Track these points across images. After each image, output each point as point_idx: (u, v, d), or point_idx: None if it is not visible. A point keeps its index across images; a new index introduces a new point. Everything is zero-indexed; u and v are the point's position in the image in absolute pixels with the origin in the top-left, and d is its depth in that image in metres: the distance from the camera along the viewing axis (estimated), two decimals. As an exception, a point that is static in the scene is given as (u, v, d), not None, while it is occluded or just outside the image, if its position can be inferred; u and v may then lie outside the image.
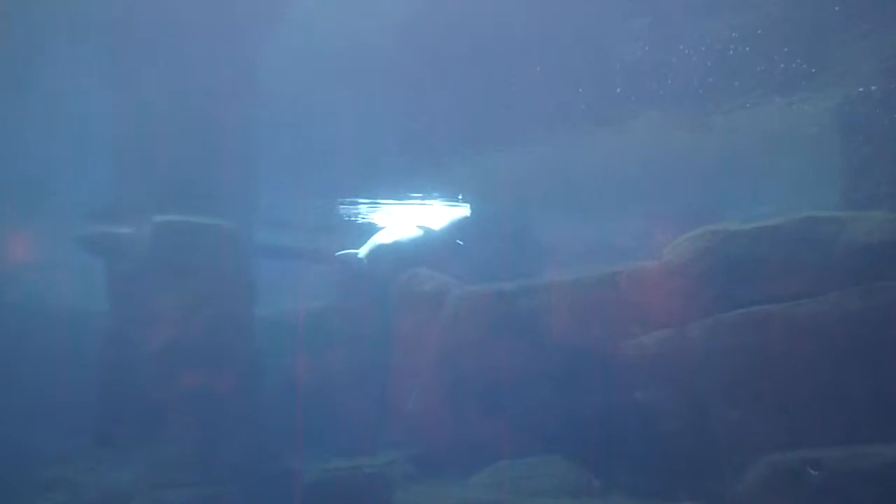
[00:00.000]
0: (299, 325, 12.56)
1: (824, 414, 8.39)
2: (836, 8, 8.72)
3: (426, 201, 14.53)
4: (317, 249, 14.65)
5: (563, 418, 10.34)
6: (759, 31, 9.20)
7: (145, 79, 10.87)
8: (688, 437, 9.35)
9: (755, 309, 8.93)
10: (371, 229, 15.19)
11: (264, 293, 12.12)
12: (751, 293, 9.04)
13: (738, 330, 8.96)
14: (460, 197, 14.11)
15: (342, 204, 14.96)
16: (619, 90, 10.17)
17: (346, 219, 16.02)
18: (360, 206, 15.37)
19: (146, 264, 10.93)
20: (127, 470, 10.39)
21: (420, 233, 13.41)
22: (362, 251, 13.77)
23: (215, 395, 10.63)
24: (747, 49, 9.44)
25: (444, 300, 11.96)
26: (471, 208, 14.03)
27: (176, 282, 10.77)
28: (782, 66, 9.92)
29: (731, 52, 9.53)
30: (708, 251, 9.50)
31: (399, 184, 13.49)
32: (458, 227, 13.42)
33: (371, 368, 12.52)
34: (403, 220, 14.74)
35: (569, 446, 10.15)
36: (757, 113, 11.21)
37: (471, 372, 11.17)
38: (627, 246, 13.20)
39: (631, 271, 10.48)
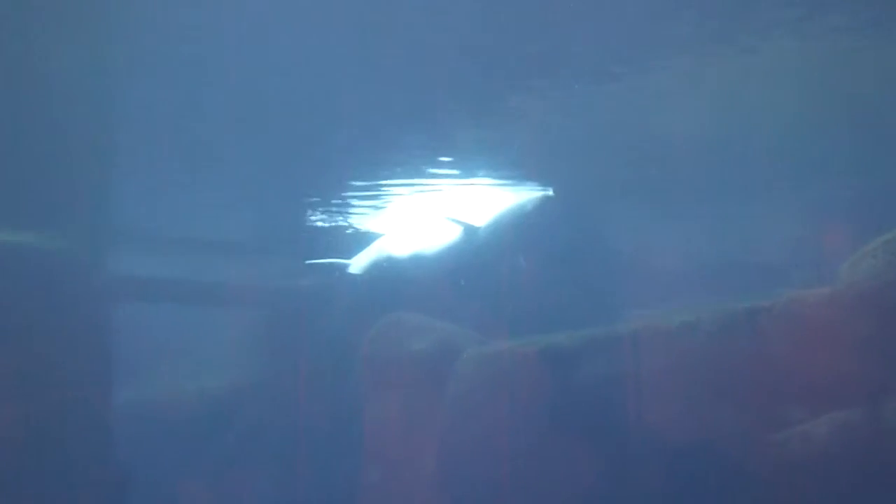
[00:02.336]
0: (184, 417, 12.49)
1: None
2: None
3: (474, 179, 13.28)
4: (245, 285, 14.38)
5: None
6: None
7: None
8: None
9: None
10: (361, 239, 15.23)
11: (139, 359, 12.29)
12: None
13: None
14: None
15: (313, 203, 14.53)
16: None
17: (323, 225, 15.60)
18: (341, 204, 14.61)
19: None
20: None
21: (455, 238, 12.84)
22: (357, 262, 13.77)
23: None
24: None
25: (451, 366, 11.19)
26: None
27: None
28: None
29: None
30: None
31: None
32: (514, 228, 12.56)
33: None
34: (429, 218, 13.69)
35: None
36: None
37: (498, 494, 10.53)
38: (768, 261, 12.73)
39: (783, 307, 9.69)
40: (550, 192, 12.65)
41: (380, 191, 13.78)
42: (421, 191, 13.57)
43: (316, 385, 12.86)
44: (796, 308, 9.58)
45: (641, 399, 10.16)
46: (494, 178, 13.02)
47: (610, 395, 10.25)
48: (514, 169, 12.61)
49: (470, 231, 12.66)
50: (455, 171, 12.73)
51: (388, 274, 13.30)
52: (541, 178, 12.92)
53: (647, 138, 11.82)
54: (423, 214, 13.89)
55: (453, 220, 12.68)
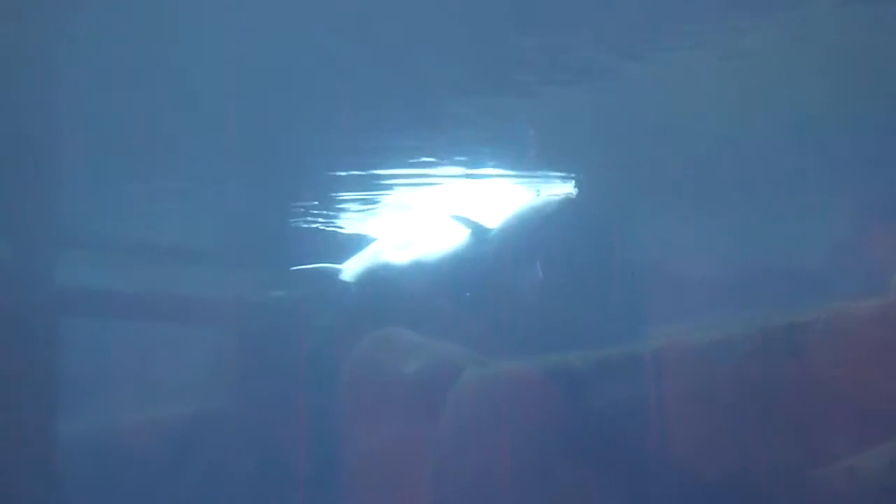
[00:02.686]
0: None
1: None
2: None
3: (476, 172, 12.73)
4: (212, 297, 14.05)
5: None
6: None
7: None
8: None
9: None
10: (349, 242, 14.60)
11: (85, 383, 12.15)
12: None
13: None
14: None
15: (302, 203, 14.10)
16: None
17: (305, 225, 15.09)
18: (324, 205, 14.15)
19: None
20: None
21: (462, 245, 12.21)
22: (349, 268, 13.28)
23: None
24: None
25: (449, 390, 10.64)
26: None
27: None
28: None
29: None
30: None
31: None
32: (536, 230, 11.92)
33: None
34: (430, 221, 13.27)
35: None
36: None
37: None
38: (810, 268, 12.27)
39: (827, 322, 9.34)
40: (573, 193, 12.29)
41: (374, 186, 13.31)
42: (422, 185, 13.15)
43: (291, 415, 12.43)
44: (842, 323, 9.23)
45: (666, 429, 9.76)
46: (505, 168, 12.60)
47: (630, 424, 9.87)
48: (528, 160, 12.26)
49: (479, 233, 12.16)
50: (462, 159, 12.24)
51: (385, 282, 12.82)
52: (555, 170, 12.58)
53: (670, 128, 11.45)
54: (426, 213, 13.59)
55: (460, 219, 12.18)
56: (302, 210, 14.42)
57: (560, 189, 12.53)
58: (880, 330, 9.06)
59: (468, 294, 11.86)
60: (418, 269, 12.39)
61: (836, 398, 9.15)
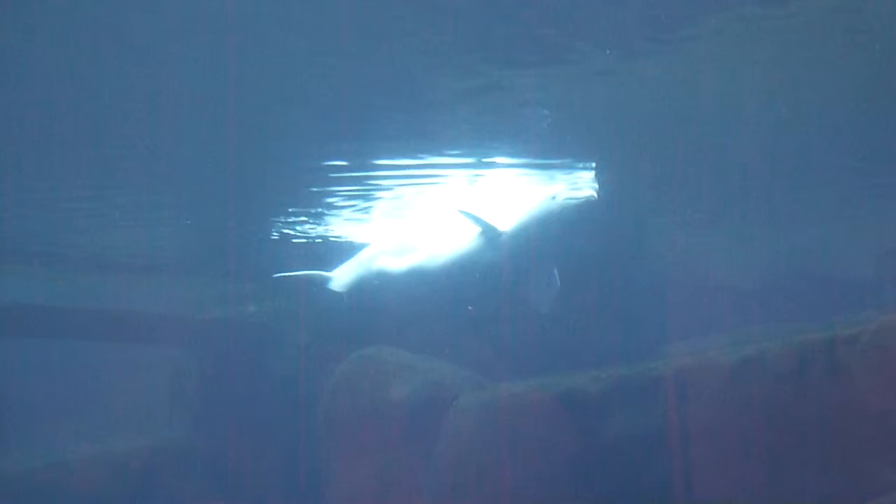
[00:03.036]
0: None
1: None
2: None
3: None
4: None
5: None
6: None
7: None
8: None
9: None
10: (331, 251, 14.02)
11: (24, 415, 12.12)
12: None
13: None
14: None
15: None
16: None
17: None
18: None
19: None
20: None
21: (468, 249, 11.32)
22: (340, 275, 12.65)
23: None
24: None
25: (442, 419, 10.26)
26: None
27: None
28: None
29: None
30: None
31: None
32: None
33: None
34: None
35: None
36: None
37: None
38: (853, 277, 12.05)
39: (872, 336, 8.84)
40: (594, 194, 11.29)
41: (367, 185, 12.38)
42: (422, 182, 12.18)
43: (259, 450, 12.04)
44: (890, 337, 8.75)
45: (689, 460, 9.30)
46: (514, 157, 11.59)
47: (648, 455, 9.42)
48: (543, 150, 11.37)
49: (490, 236, 11.29)
50: (464, 152, 11.36)
51: (379, 292, 12.08)
52: (569, 164, 11.71)
53: (694, 121, 10.94)
54: (428, 214, 12.86)
55: (469, 217, 11.31)
56: (287, 213, 13.59)
57: (577, 189, 11.67)
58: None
59: (470, 308, 11.30)
60: (418, 277, 11.67)
61: (881, 422, 8.66)
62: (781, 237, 14.85)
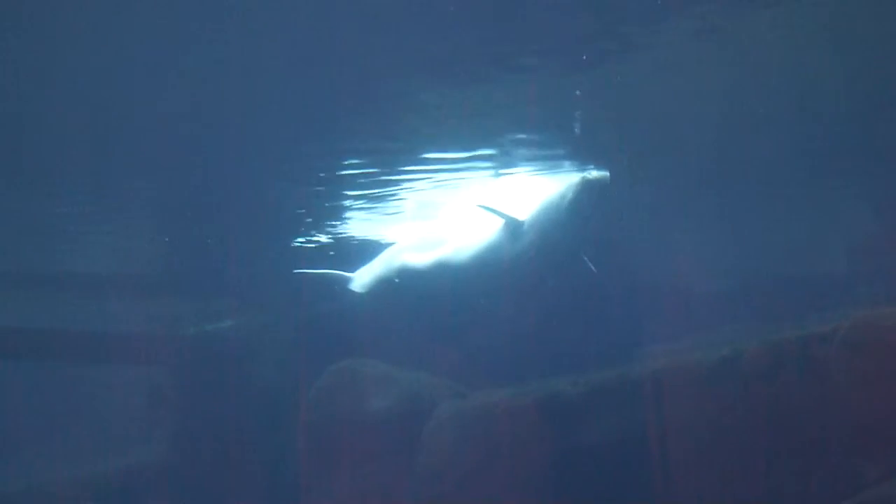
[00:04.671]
0: None
1: None
2: None
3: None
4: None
5: None
6: None
7: None
8: None
9: None
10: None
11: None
12: None
13: None
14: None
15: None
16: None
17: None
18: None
19: None
20: None
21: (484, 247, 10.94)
22: (362, 274, 12.32)
23: None
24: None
25: (422, 427, 10.30)
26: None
27: None
28: None
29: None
30: None
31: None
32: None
33: None
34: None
35: None
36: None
37: None
38: (828, 273, 12.08)
39: (848, 333, 8.85)
40: (606, 174, 10.79)
41: (384, 184, 11.72)
42: (440, 181, 11.54)
43: (238, 468, 11.96)
44: (865, 334, 8.80)
45: (670, 462, 9.38)
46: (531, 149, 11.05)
47: (628, 458, 9.44)
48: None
49: (512, 227, 10.85)
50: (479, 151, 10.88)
51: (402, 290, 11.83)
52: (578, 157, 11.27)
53: (661, 115, 10.87)
54: (447, 212, 12.36)
55: (489, 211, 10.90)
56: (302, 213, 13.17)
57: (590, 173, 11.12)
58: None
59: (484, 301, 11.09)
60: (443, 274, 11.28)
61: (860, 419, 8.68)
62: (754, 236, 14.71)
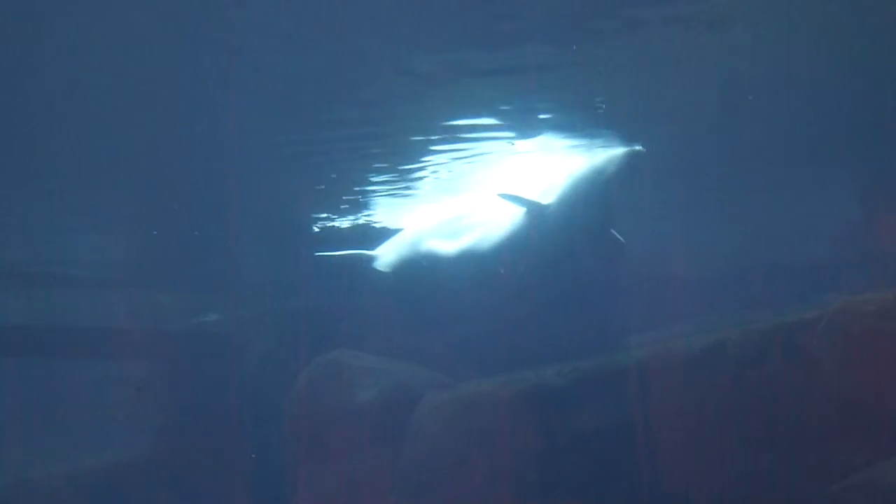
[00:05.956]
0: None
1: None
2: None
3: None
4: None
5: None
6: None
7: None
8: None
9: None
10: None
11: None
12: None
13: None
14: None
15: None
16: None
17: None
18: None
19: None
20: None
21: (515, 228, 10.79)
22: (382, 252, 12.34)
23: None
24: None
25: (408, 418, 10.34)
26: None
27: None
28: None
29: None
30: None
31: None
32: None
33: None
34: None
35: None
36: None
37: None
38: (811, 261, 12.13)
39: (832, 319, 8.95)
40: (639, 148, 10.68)
41: (406, 164, 11.62)
42: (462, 159, 11.39)
43: (225, 462, 11.91)
44: (849, 320, 8.87)
45: (656, 450, 9.39)
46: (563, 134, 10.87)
47: (615, 446, 9.46)
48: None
49: (535, 210, 10.76)
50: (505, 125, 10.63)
51: (428, 271, 11.66)
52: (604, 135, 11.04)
53: (650, 108, 10.52)
54: (470, 193, 12.22)
55: (511, 199, 10.86)
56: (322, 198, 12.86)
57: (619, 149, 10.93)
58: (891, 326, 8.68)
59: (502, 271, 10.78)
60: (469, 256, 11.21)
61: (846, 405, 8.77)
62: (739, 225, 14.80)
